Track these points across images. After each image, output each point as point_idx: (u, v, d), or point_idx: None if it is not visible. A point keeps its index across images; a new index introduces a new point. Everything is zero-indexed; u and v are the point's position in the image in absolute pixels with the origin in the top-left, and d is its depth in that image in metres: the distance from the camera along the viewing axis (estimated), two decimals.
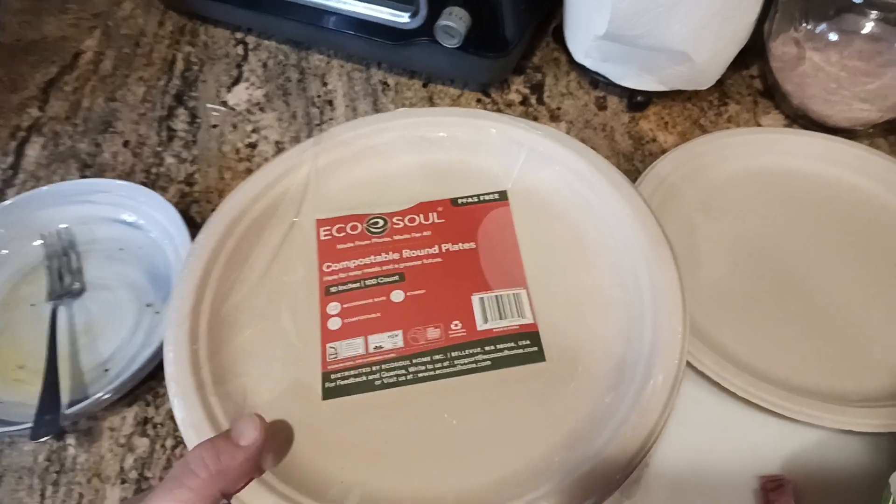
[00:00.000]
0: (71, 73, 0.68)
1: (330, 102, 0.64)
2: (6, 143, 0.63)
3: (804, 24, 0.57)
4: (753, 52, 0.60)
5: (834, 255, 0.50)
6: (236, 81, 0.66)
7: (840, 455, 0.42)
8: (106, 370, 0.48)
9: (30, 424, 0.43)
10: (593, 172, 0.40)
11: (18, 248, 0.54)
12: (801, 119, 0.59)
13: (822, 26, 0.56)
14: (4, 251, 0.54)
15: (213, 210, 0.56)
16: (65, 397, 0.45)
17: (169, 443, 0.46)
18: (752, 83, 0.64)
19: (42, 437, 0.42)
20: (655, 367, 0.33)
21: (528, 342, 0.37)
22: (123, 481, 0.45)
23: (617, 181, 0.40)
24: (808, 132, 0.56)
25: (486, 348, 0.37)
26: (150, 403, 0.48)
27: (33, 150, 0.62)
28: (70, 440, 0.46)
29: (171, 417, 0.47)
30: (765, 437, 0.43)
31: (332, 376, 0.36)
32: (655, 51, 0.54)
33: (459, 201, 0.43)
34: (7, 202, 0.54)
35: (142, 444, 0.46)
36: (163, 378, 0.47)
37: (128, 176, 0.60)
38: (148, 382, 0.48)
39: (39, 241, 0.54)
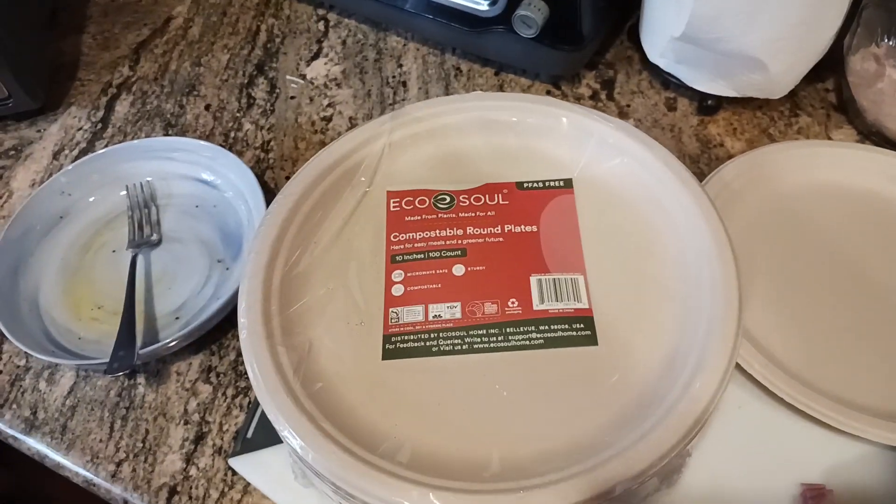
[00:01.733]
0: (161, 37, 0.72)
1: (404, 84, 0.66)
2: (97, 99, 0.67)
3: (886, 41, 0.56)
4: (829, 66, 0.59)
5: (894, 275, 0.49)
6: (316, 56, 0.69)
7: (884, 471, 0.42)
8: (177, 318, 0.51)
9: (105, 360, 0.46)
10: (661, 167, 0.41)
11: (104, 196, 0.57)
12: (875, 136, 0.59)
13: None
14: (91, 198, 0.57)
15: (286, 177, 0.60)
16: (138, 339, 0.48)
17: (230, 392, 0.49)
18: (825, 96, 0.63)
19: (116, 372, 0.45)
20: (707, 360, 0.34)
21: (581, 325, 0.38)
22: (186, 422, 0.48)
23: (685, 178, 0.40)
24: (880, 149, 0.56)
25: (541, 327, 0.38)
26: (215, 353, 0.50)
27: (122, 107, 0.66)
28: (140, 380, 0.50)
29: (234, 368, 0.50)
30: (809, 446, 0.43)
31: (393, 339, 0.38)
32: (731, 56, 0.55)
33: (525, 185, 0.44)
34: (98, 152, 0.57)
35: (205, 389, 0.49)
36: (228, 330, 0.51)
37: (207, 138, 0.63)
38: (214, 333, 0.50)
39: (123, 192, 0.58)
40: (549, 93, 0.64)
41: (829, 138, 0.60)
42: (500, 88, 0.65)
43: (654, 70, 0.63)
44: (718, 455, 0.42)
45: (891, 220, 0.52)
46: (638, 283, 0.39)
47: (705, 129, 0.61)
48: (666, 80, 0.64)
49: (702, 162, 0.59)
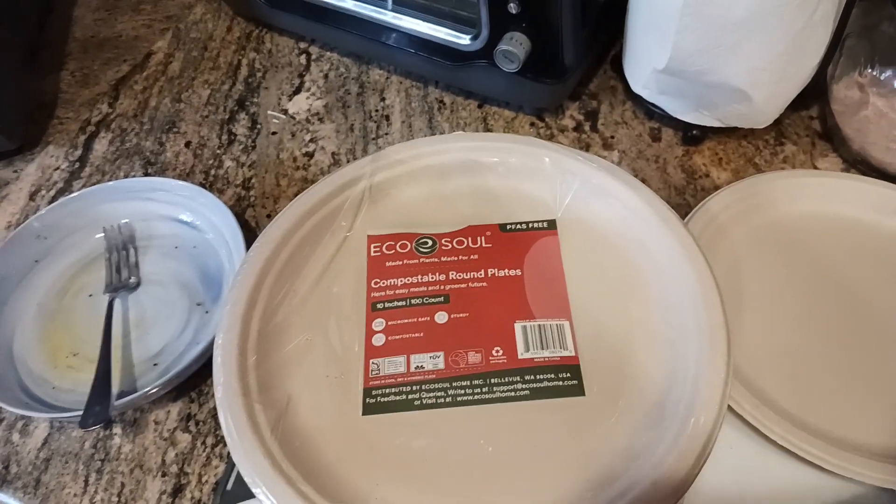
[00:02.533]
0: (141, 73, 0.71)
1: (387, 117, 0.65)
2: (75, 137, 0.66)
3: (869, 70, 0.56)
4: (814, 94, 0.59)
5: (885, 308, 0.49)
6: (297, 90, 0.68)
7: None
8: (155, 364, 0.50)
9: (80, 412, 0.45)
10: (645, 208, 0.40)
11: (81, 239, 0.56)
12: (860, 164, 0.58)
13: (888, 72, 0.55)
14: (67, 241, 0.56)
15: (267, 215, 0.59)
16: (115, 388, 0.47)
17: (210, 441, 0.47)
18: (810, 124, 0.63)
19: (91, 427, 0.44)
20: (696, 409, 0.33)
21: (568, 375, 0.37)
22: (164, 474, 0.46)
23: (668, 218, 0.40)
24: (866, 178, 0.55)
25: (526, 377, 0.37)
26: (195, 400, 0.49)
27: (101, 146, 0.65)
28: (116, 430, 0.48)
29: (214, 416, 0.48)
30: (802, 487, 0.42)
31: (374, 392, 0.37)
32: (715, 88, 0.54)
33: (508, 227, 0.43)
34: (74, 194, 0.56)
35: (184, 439, 0.48)
36: (208, 375, 0.49)
37: (187, 176, 0.62)
38: (193, 379, 0.49)
39: (101, 234, 0.56)
40: (532, 125, 0.63)
41: (815, 167, 0.60)
42: (484, 121, 0.64)
43: (638, 100, 0.63)
44: (710, 497, 0.41)
45: (878, 250, 0.52)
46: (625, 328, 0.38)
47: (690, 159, 0.61)
48: (650, 111, 0.63)
49: (688, 193, 0.58)
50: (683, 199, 0.58)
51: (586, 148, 0.61)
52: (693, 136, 0.61)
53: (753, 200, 0.54)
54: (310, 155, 0.63)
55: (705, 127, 0.60)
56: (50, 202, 0.60)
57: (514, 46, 0.56)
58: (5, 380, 0.49)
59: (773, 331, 0.48)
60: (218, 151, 0.63)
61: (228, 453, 0.46)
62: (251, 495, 0.44)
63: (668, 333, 0.37)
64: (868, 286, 0.50)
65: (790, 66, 0.53)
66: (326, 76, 0.69)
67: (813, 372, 0.46)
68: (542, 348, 0.38)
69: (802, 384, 0.45)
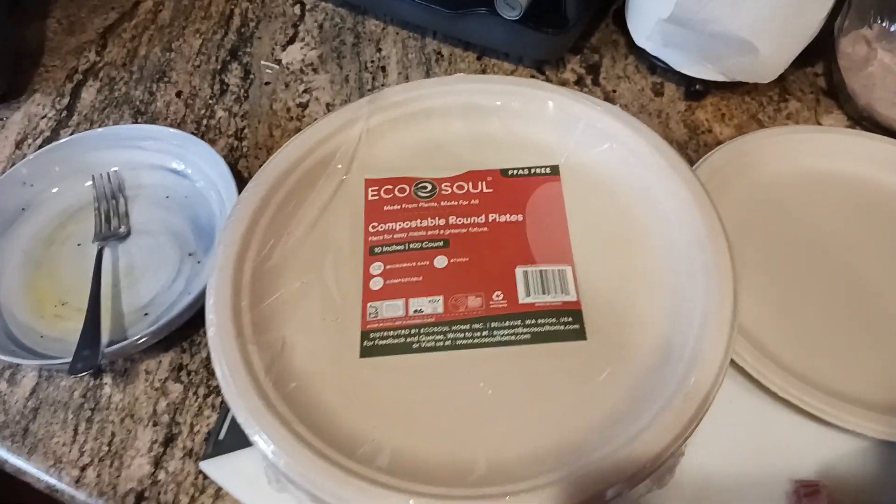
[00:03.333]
0: (130, 21, 0.69)
1: (383, 69, 0.63)
2: (62, 85, 0.64)
3: (877, 23, 0.54)
4: (819, 50, 0.58)
5: (886, 263, 0.48)
6: (291, 40, 0.66)
7: (879, 466, 0.41)
8: (145, 314, 0.49)
9: (69, 360, 0.44)
10: (652, 153, 0.39)
11: (69, 187, 0.55)
12: (865, 121, 0.57)
13: None
14: (55, 189, 0.54)
15: (260, 166, 0.57)
16: (104, 337, 0.46)
17: (202, 391, 0.46)
18: (815, 81, 0.62)
19: (81, 372, 0.43)
20: (702, 354, 0.33)
21: (569, 319, 0.36)
22: (155, 424, 0.45)
23: (676, 164, 0.39)
24: (871, 135, 0.54)
25: (527, 322, 0.36)
26: (186, 350, 0.48)
27: (89, 94, 0.63)
28: (106, 379, 0.47)
29: (206, 366, 0.47)
30: (801, 441, 0.42)
31: (371, 335, 0.36)
32: (720, 38, 0.53)
33: (510, 172, 0.42)
34: (62, 141, 0.55)
35: (175, 389, 0.47)
36: (199, 326, 0.48)
37: (179, 126, 0.60)
38: (185, 329, 0.48)
39: (89, 183, 0.55)
40: (532, 77, 0.62)
41: (819, 124, 0.59)
42: (483, 73, 0.62)
43: (641, 54, 0.62)
44: (709, 451, 0.41)
45: (882, 208, 0.51)
46: (628, 275, 0.37)
47: (693, 114, 0.60)
48: (652, 65, 0.62)
49: (689, 148, 0.57)
50: (686, 154, 0.56)
51: None
52: (696, 90, 0.60)
53: (756, 156, 0.53)
54: (304, 106, 0.61)
55: (708, 82, 0.59)
56: (37, 150, 0.58)
57: None
58: None
59: (774, 286, 0.47)
60: (210, 101, 0.62)
61: (221, 403, 0.45)
62: (244, 445, 0.43)
63: (672, 280, 0.36)
64: (870, 242, 0.49)
65: (797, 17, 0.52)
66: (321, 26, 0.67)
67: (813, 326, 0.45)
68: (544, 293, 0.37)
69: (803, 338, 0.45)
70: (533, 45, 0.60)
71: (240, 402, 0.32)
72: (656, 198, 0.39)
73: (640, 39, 0.60)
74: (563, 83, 0.62)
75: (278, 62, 0.64)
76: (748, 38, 0.52)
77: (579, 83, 0.62)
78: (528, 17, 0.56)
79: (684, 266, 0.36)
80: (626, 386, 0.34)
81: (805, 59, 0.57)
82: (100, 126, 0.60)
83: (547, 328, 0.36)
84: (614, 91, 0.61)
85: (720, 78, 0.58)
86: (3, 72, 0.62)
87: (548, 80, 0.62)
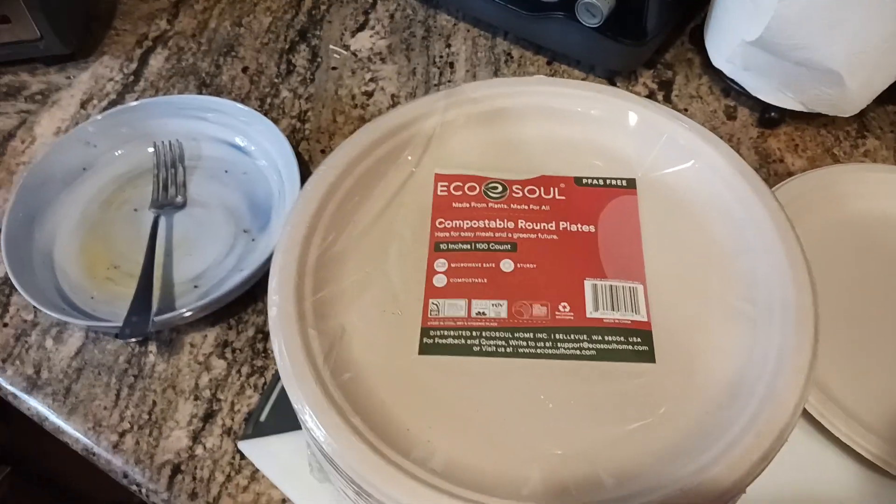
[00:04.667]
0: None
1: (451, 65, 0.63)
2: (132, 50, 0.64)
3: None
4: None
5: None
6: (361, 28, 0.65)
7: None
8: (195, 286, 0.48)
9: (117, 324, 0.43)
10: (735, 175, 0.38)
11: (131, 151, 0.55)
12: None
13: None
14: (118, 152, 0.54)
15: (322, 150, 0.57)
16: (154, 305, 0.45)
17: (245, 370, 0.46)
18: None
19: (129, 338, 0.43)
20: (777, 392, 0.31)
21: (638, 339, 0.35)
22: (196, 398, 0.45)
23: (760, 190, 0.37)
24: None
25: (594, 337, 0.35)
26: (233, 327, 0.48)
27: (156, 62, 0.63)
28: (151, 348, 0.47)
29: (251, 345, 0.47)
30: (861, 490, 0.40)
31: (431, 332, 0.35)
32: (806, 67, 0.51)
33: (584, 181, 0.41)
34: (129, 104, 0.54)
35: (219, 365, 0.46)
36: (248, 304, 0.48)
37: (243, 102, 0.59)
38: (233, 306, 0.48)
39: (151, 149, 0.55)
40: None
41: None
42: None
43: (716, 75, 0.60)
44: (762, 493, 0.39)
45: None
46: (702, 300, 0.36)
47: (765, 142, 0.58)
48: (727, 87, 0.60)
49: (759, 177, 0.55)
50: (759, 176, 0.55)
51: None
52: (770, 118, 0.58)
53: (832, 190, 0.51)
54: (369, 94, 0.60)
55: (784, 110, 0.57)
56: (101, 112, 0.58)
57: (599, 0, 0.53)
58: (43, 284, 0.47)
59: (842, 327, 0.45)
60: (276, 80, 0.61)
61: (264, 385, 0.45)
62: (284, 429, 0.43)
63: (749, 311, 0.35)
64: None
65: (892, 53, 0.50)
66: (392, 16, 0.66)
67: (880, 373, 0.44)
68: (613, 309, 0.36)
69: (870, 385, 0.43)
70: (608, 55, 0.59)
71: (297, 385, 0.31)
72: (737, 223, 0.37)
73: (719, 60, 0.58)
74: None
75: (347, 48, 0.64)
76: (838, 70, 0.50)
77: (650, 98, 0.60)
78: (606, 25, 0.55)
79: (762, 297, 0.35)
80: (693, 417, 0.32)
81: (888, 95, 0.56)
82: (165, 94, 0.60)
83: (614, 346, 0.35)
84: (686, 110, 0.60)
85: (798, 107, 0.56)
86: (75, 30, 0.62)
87: None
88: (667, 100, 0.60)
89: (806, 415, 0.41)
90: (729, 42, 0.56)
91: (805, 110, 0.56)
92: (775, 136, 0.58)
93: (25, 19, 0.56)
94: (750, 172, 0.38)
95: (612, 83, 0.61)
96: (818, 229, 0.50)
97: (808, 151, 0.57)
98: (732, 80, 0.58)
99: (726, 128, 0.59)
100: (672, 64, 0.63)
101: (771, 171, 0.56)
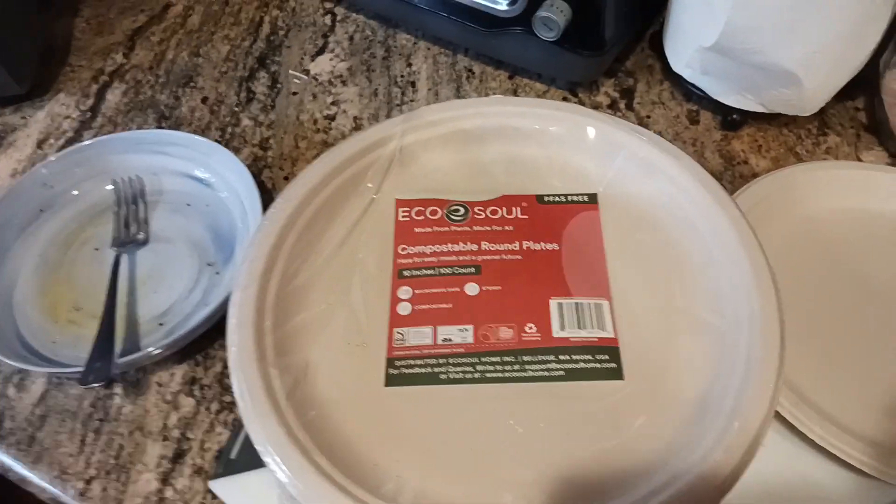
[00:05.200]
0: (159, 24, 0.68)
1: (413, 84, 0.62)
2: (88, 86, 0.63)
3: None
4: (861, 84, 0.56)
5: None
6: (321, 51, 0.65)
7: None
8: (160, 324, 0.47)
9: (80, 369, 0.42)
10: (698, 188, 0.38)
11: (89, 190, 0.54)
12: None
13: None
14: (75, 191, 0.53)
15: (285, 177, 0.56)
16: (118, 346, 0.44)
17: (214, 407, 0.45)
18: (856, 115, 0.60)
19: (91, 384, 0.42)
20: (745, 405, 0.31)
21: (605, 357, 0.34)
22: (165, 438, 0.44)
23: (722, 200, 0.37)
24: None
25: (561, 357, 0.34)
26: (200, 364, 0.47)
27: (114, 96, 0.62)
28: (117, 389, 0.46)
29: (219, 381, 0.46)
30: (839, 491, 0.40)
31: (397, 363, 0.35)
32: (763, 69, 0.51)
33: (546, 199, 0.40)
34: (85, 143, 0.53)
35: (187, 403, 0.45)
36: (215, 339, 0.47)
37: (203, 132, 0.59)
38: (200, 342, 0.47)
39: (110, 187, 0.54)
40: (565, 99, 0.60)
41: (859, 159, 0.57)
42: (514, 93, 0.61)
43: (677, 80, 0.60)
44: (741, 496, 0.39)
45: None
46: (668, 314, 0.36)
47: (729, 144, 0.58)
48: (688, 92, 0.61)
49: (725, 179, 0.56)
50: (721, 185, 0.55)
51: None
52: (733, 120, 0.58)
53: (795, 191, 0.52)
54: (331, 118, 0.60)
55: (746, 112, 0.57)
56: (58, 151, 0.57)
57: (555, 13, 0.53)
58: (3, 331, 0.46)
59: (812, 328, 0.45)
60: (236, 109, 0.61)
61: (233, 421, 0.44)
62: (255, 465, 0.42)
63: (716, 322, 0.35)
64: None
65: (846, 52, 0.51)
66: (351, 38, 0.66)
67: (853, 373, 0.44)
68: (579, 327, 0.35)
69: (843, 385, 0.43)
70: (568, 67, 0.59)
71: (259, 428, 0.31)
72: (700, 235, 0.37)
73: (678, 66, 0.58)
74: (596, 106, 0.60)
75: (307, 72, 0.63)
76: (794, 71, 0.50)
77: (613, 107, 0.60)
78: (564, 38, 0.55)
79: (729, 309, 0.35)
80: (664, 433, 0.32)
81: (846, 92, 0.56)
82: (124, 129, 0.59)
83: (582, 365, 0.34)
84: (648, 117, 0.60)
85: (759, 109, 0.56)
86: (29, 68, 0.61)
87: (581, 102, 0.60)
88: (629, 108, 0.60)
89: (779, 417, 0.40)
90: (687, 47, 0.56)
91: (766, 111, 0.56)
92: (738, 138, 0.59)
93: None
94: (711, 183, 0.38)
95: (574, 94, 0.61)
96: (785, 230, 0.50)
97: (772, 151, 0.58)
98: (693, 85, 0.59)
99: (690, 132, 0.59)
100: (633, 71, 0.63)
101: (736, 174, 0.56)
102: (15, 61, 0.58)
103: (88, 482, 0.42)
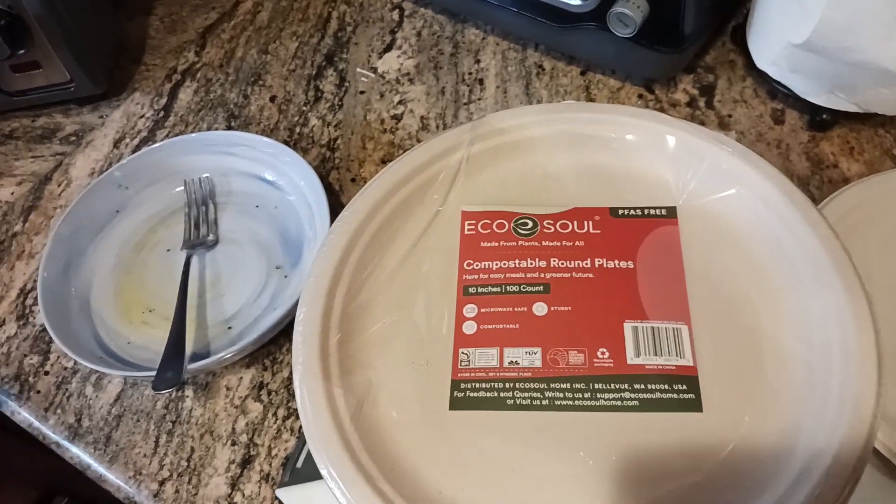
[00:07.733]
0: (229, 22, 0.68)
1: (481, 81, 0.61)
2: (161, 85, 0.64)
3: None
4: None
5: None
6: (389, 48, 0.64)
7: None
8: (229, 327, 0.48)
9: (153, 372, 0.43)
10: (787, 204, 0.35)
11: (161, 191, 0.55)
12: None
13: None
14: (148, 193, 0.54)
15: (352, 179, 0.56)
16: (188, 352, 0.45)
17: (281, 413, 0.45)
18: None
19: (163, 391, 0.42)
20: (836, 443, 0.29)
21: (684, 387, 0.33)
22: (233, 443, 0.44)
23: (812, 218, 0.34)
24: None
25: (635, 386, 0.33)
26: (268, 368, 0.47)
27: (185, 95, 0.63)
28: (188, 392, 0.47)
29: (286, 386, 0.46)
30: None
31: (462, 385, 0.34)
32: (859, 68, 0.48)
33: (620, 212, 0.39)
34: (156, 145, 0.55)
35: (255, 408, 0.46)
36: (283, 343, 0.47)
37: (271, 132, 0.59)
38: (267, 346, 0.47)
39: (181, 188, 0.55)
40: (640, 97, 0.58)
41: None
42: (587, 90, 0.59)
43: (761, 77, 0.57)
44: None
45: None
46: (752, 341, 0.33)
47: (817, 146, 0.54)
48: (773, 90, 0.57)
49: (812, 185, 0.52)
50: (808, 191, 0.52)
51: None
52: (822, 120, 0.55)
53: (891, 198, 0.48)
54: (398, 118, 0.59)
55: (836, 111, 0.53)
56: (134, 150, 0.58)
57: (631, 9, 0.51)
58: (80, 332, 0.48)
59: None
60: (304, 108, 0.61)
61: (300, 428, 0.44)
62: (321, 476, 0.42)
63: (804, 353, 0.32)
64: None
65: None
66: (419, 34, 0.65)
67: None
68: (656, 354, 0.34)
69: None
70: (644, 64, 0.56)
71: (323, 453, 0.30)
72: (788, 255, 0.35)
73: (763, 62, 0.55)
74: (674, 104, 0.57)
75: (374, 70, 0.63)
76: (894, 70, 0.46)
77: (691, 105, 0.57)
78: (641, 33, 0.53)
79: (817, 338, 0.32)
80: (745, 471, 0.30)
81: None
82: (195, 128, 0.60)
83: (658, 395, 0.32)
84: (730, 116, 0.57)
85: (852, 108, 0.52)
86: (105, 69, 0.63)
87: (657, 99, 0.58)
88: (709, 106, 0.57)
89: (876, 452, 0.38)
90: (773, 44, 0.53)
91: (860, 111, 0.52)
92: (828, 140, 0.55)
93: (55, 63, 0.57)
94: (800, 199, 0.35)
95: (651, 91, 0.58)
96: (880, 242, 0.46)
97: (865, 154, 0.54)
98: (779, 83, 0.55)
99: (774, 133, 0.55)
100: (713, 67, 0.60)
101: (825, 178, 0.53)
102: (92, 62, 0.60)
103: (162, 483, 0.44)
